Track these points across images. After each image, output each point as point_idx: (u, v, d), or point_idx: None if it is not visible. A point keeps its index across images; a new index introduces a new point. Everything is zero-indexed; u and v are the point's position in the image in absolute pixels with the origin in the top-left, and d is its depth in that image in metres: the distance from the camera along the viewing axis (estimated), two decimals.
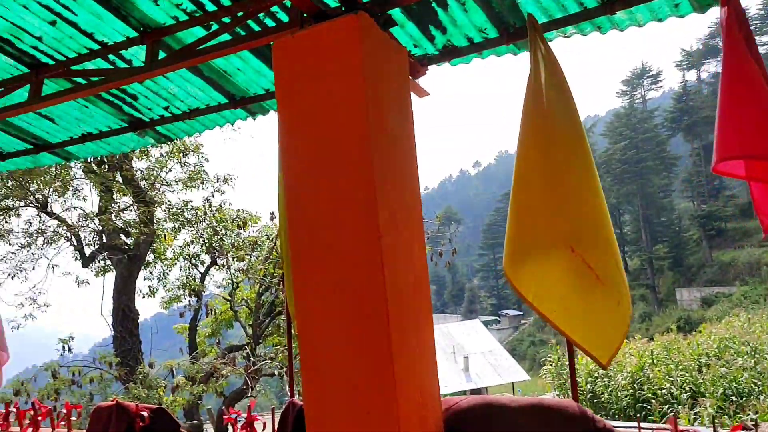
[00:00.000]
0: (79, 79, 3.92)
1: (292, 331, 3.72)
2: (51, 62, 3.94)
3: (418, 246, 2.95)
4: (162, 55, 3.65)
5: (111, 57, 3.89)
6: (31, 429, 4.00)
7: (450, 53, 3.80)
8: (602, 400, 15.09)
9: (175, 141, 15.46)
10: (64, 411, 3.84)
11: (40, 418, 3.94)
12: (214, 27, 3.54)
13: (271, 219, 16.05)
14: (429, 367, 2.95)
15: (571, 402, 2.77)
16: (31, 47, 3.82)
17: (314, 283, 2.80)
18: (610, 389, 14.92)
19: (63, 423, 3.86)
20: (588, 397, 15.36)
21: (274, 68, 2.92)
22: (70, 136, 4.91)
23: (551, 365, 17.68)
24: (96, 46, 3.81)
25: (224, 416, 3.69)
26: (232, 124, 4.72)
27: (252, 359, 14.68)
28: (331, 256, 2.75)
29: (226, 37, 3.48)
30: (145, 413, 3.68)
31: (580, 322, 2.97)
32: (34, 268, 15.60)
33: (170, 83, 4.22)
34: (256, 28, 3.54)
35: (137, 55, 3.86)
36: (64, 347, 14.59)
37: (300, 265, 2.85)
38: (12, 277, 15.28)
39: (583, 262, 2.96)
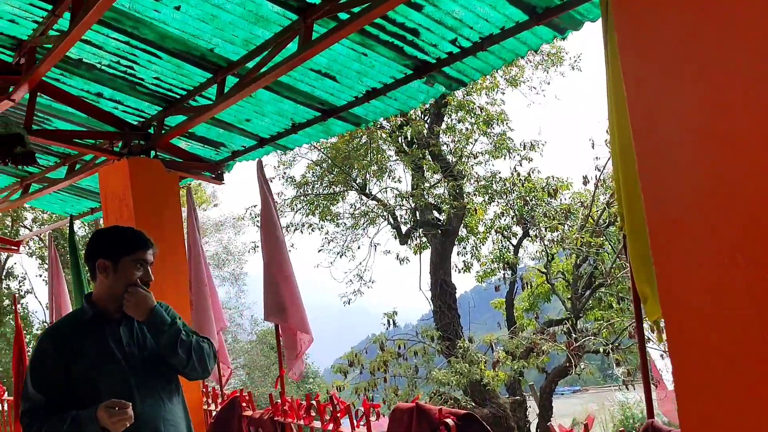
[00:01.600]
0: (344, 15, 3.27)
1: (643, 318, 2.58)
2: (317, 1, 3.36)
3: None
4: None
5: None
6: (331, 425, 3.54)
7: None
8: None
9: (479, 113, 15.02)
10: (362, 409, 3.28)
11: (339, 414, 3.46)
12: None
13: (584, 184, 14.65)
14: None
15: None
16: None
17: (690, 248, 1.64)
18: None
19: (362, 423, 3.30)
20: None
21: None
22: (354, 95, 4.37)
23: None
24: None
25: None
26: (536, 51, 3.68)
27: (573, 335, 13.60)
28: (721, 202, 1.56)
29: None
30: (450, 420, 2.90)
31: None
32: (359, 247, 16.67)
33: (455, 4, 3.34)
34: None
35: None
36: (389, 321, 15.25)
37: (662, 225, 1.72)
38: (340, 256, 16.47)
39: None
